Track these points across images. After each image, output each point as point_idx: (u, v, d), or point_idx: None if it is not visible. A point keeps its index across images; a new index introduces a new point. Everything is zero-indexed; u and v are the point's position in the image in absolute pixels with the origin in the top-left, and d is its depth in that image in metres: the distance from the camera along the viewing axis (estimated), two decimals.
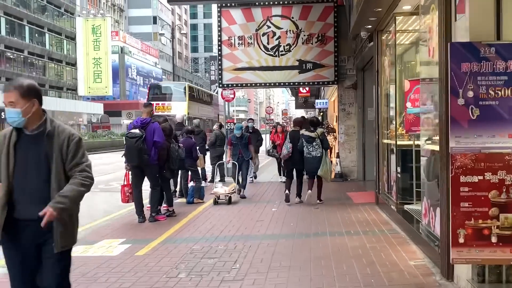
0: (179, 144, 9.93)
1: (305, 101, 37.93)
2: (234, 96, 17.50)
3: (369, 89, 14.62)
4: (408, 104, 8.42)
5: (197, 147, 11.93)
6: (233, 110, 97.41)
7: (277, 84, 15.17)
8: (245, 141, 12.02)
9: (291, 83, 15.11)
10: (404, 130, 8.96)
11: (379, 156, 10.14)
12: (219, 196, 11.10)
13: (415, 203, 8.42)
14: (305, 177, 11.21)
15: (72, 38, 57.85)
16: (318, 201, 10.67)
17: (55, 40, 55.97)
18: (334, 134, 17.87)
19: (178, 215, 9.70)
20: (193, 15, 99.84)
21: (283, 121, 44.30)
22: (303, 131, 10.73)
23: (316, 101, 26.54)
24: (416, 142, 8.51)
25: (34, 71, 51.08)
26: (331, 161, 18.23)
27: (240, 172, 12.05)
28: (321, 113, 36.42)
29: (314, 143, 10.45)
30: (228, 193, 11.15)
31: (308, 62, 14.99)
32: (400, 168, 8.89)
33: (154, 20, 76.50)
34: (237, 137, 12.04)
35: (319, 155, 10.44)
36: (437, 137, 5.70)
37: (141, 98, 65.56)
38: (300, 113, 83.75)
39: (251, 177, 14.24)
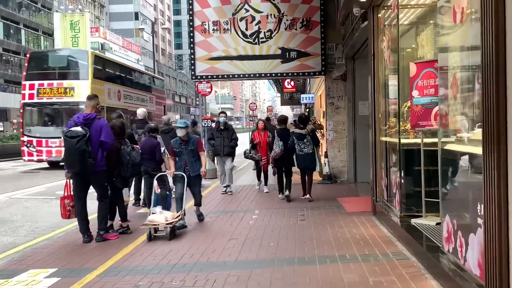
0: (132, 146, 8.08)
1: (291, 97, 36.23)
2: (211, 89, 15.70)
3: (360, 80, 12.92)
4: (415, 93, 6.70)
5: (164, 149, 10.09)
6: (218, 108, 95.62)
7: (257, 75, 13.39)
8: (193, 146, 8.19)
9: (273, 74, 13.36)
10: (409, 126, 7.26)
11: (376, 157, 8.42)
12: (157, 227, 7.36)
13: (424, 216, 6.71)
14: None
15: (49, 34, 55.55)
16: (308, 195, 10.64)
17: (31, 36, 53.62)
18: (322, 131, 16.18)
19: (134, 231, 7.90)
20: (177, 11, 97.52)
21: (272, 117, 42.60)
22: (293, 129, 10.76)
23: (302, 95, 24.79)
24: (426, 140, 6.80)
25: (10, 68, 48.78)
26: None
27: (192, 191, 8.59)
28: (307, 109, 34.78)
29: (305, 140, 10.38)
30: (171, 222, 7.41)
31: (292, 50, 13.24)
32: (404, 172, 7.17)
33: (136, 16, 74.26)
34: (180, 142, 8.22)
35: (311, 151, 10.43)
36: (474, 135, 3.98)
37: None
38: (286, 109, 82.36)
39: (225, 190, 11.79)
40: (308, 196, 10.57)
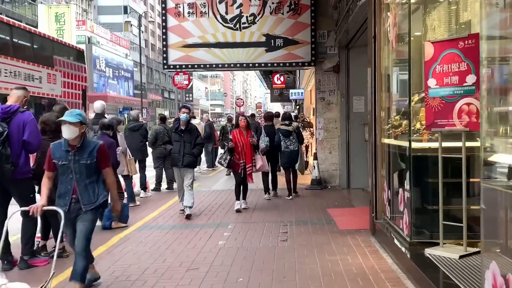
0: None
1: (281, 93, 34.48)
2: (189, 82, 13.96)
3: (355, 72, 11.25)
4: (431, 82, 5.03)
5: (117, 150, 8.34)
6: (209, 104, 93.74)
7: (238, 65, 11.65)
8: (90, 159, 4.63)
9: (256, 64, 11.62)
10: (419, 125, 5.59)
11: (376, 164, 6.73)
12: None
13: (442, 245, 5.03)
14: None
15: (34, 26, 53.30)
16: (294, 194, 10.51)
17: None
18: (311, 129, 14.51)
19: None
20: None
21: (258, 114, 40.89)
22: (279, 126, 10.54)
23: (291, 91, 23.11)
24: (446, 144, 5.13)
25: None
26: (307, 161, 14.88)
27: None
28: (297, 106, 33.10)
29: (291, 137, 10.34)
30: None
31: (278, 37, 11.53)
32: (415, 184, 5.49)
33: (125, 9, 72.12)
34: (67, 150, 4.66)
35: (296, 148, 10.44)
36: None
37: (110, 90, 61.61)
38: (277, 106, 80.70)
39: (182, 210, 8.79)
40: (294, 194, 10.50)
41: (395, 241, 5.68)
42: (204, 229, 7.57)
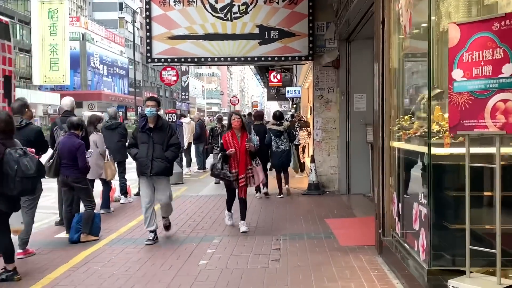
0: (25, 149, 5.27)
1: (277, 92, 33.53)
2: (177, 78, 12.95)
3: (356, 67, 10.29)
4: (457, 74, 4.04)
5: (87, 153, 7.33)
6: (206, 103, 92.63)
7: (229, 59, 10.64)
8: None
9: (249, 58, 10.59)
10: (443, 126, 4.61)
11: (384, 171, 5.74)
12: None
13: (469, 275, 4.04)
14: None
15: (26, 22, 52.36)
16: (287, 186, 10.45)
17: None
18: (308, 129, 13.54)
19: (29, 273, 5.21)
20: None
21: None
22: (270, 126, 10.38)
23: (287, 89, 22.11)
24: (476, 150, 4.15)
25: None
26: (304, 162, 13.89)
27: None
28: (294, 105, 32.11)
29: (282, 137, 10.16)
30: None
31: (273, 29, 10.52)
32: (435, 199, 4.48)
33: (120, 6, 70.96)
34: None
35: (287, 148, 10.24)
36: None
37: (105, 88, 60.60)
38: (274, 105, 79.75)
39: (151, 239, 6.75)
40: (286, 186, 10.43)
41: (408, 263, 4.70)
42: (185, 245, 6.58)
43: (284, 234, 7.01)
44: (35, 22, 50.82)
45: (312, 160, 10.74)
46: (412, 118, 5.55)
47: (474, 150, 4.09)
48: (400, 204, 5.31)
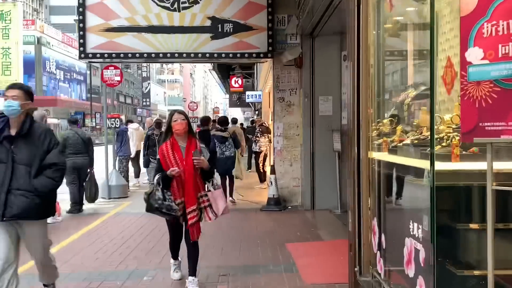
0: None
1: (239, 98, 32.21)
2: (121, 78, 11.37)
3: (321, 65, 9.01)
4: (473, 54, 2.68)
5: None
6: (167, 110, 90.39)
7: (176, 55, 9.14)
8: None
9: (200, 55, 9.12)
10: (454, 131, 3.30)
11: (360, 190, 4.38)
12: None
13: None
14: None
15: None
16: (231, 198, 9.80)
17: None
18: (270, 135, 12.22)
19: None
20: None
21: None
22: (214, 132, 10.02)
23: (247, 93, 20.78)
24: (499, 165, 2.83)
25: None
26: (265, 171, 12.54)
27: None
28: (256, 111, 30.81)
29: (227, 143, 9.73)
30: None
31: (227, 21, 9.10)
32: (440, 234, 3.11)
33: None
34: None
35: (232, 154, 9.78)
36: None
37: (61, 93, 57.97)
38: (237, 112, 78.32)
39: None
40: (230, 198, 9.79)
41: None
42: (107, 283, 5.06)
43: (235, 266, 5.58)
44: None
45: (272, 171, 9.36)
46: (393, 122, 4.29)
47: (499, 165, 2.78)
48: (383, 235, 3.96)
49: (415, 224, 3.31)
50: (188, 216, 4.69)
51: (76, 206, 9.14)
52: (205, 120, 10.57)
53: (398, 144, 3.91)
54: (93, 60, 9.27)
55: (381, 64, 4.51)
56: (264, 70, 13.58)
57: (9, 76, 49.65)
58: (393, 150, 3.99)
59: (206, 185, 4.91)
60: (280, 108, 9.60)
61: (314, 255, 6.00)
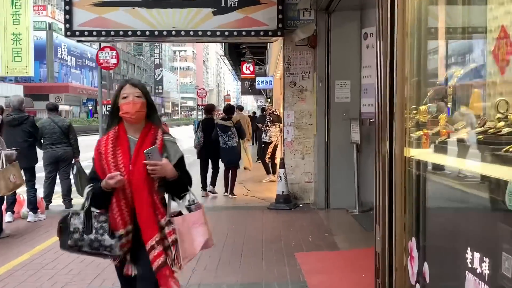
0: None
1: (251, 85, 31.14)
2: (118, 61, 10.35)
3: (338, 45, 7.91)
4: None
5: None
6: (180, 97, 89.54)
7: (174, 33, 7.95)
8: None
9: (200, 32, 7.94)
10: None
11: (392, 200, 3.28)
12: None
13: None
14: None
15: None
16: (230, 195, 9.23)
17: None
18: (281, 124, 11.16)
19: None
20: None
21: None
22: (217, 120, 9.45)
23: (258, 79, 19.66)
24: None
25: None
26: (275, 163, 11.48)
27: None
28: (268, 99, 29.68)
29: (229, 132, 9.07)
30: None
31: None
32: None
33: None
34: None
35: (235, 144, 9.14)
36: None
37: (73, 80, 57.36)
38: (250, 100, 77.30)
39: None
40: (229, 195, 9.23)
41: None
42: None
43: (232, 285, 4.54)
44: None
45: (282, 165, 8.27)
46: (430, 109, 3.25)
47: None
48: (426, 263, 2.87)
49: (477, 255, 2.24)
50: (150, 257, 2.66)
51: (49, 203, 8.14)
52: (209, 108, 9.74)
53: (449, 139, 2.83)
54: (81, 38, 8.20)
55: (422, 41, 3.41)
56: (275, 53, 12.44)
57: (20, 62, 49.16)
58: (440, 147, 2.91)
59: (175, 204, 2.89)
60: (291, 94, 8.48)
61: (329, 270, 4.92)
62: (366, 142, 7.70)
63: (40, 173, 7.92)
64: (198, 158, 9.51)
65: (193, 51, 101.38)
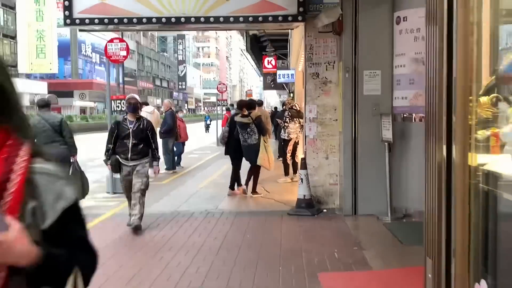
0: None
1: (273, 80, 30.20)
2: (128, 52, 9.59)
3: (368, 31, 6.97)
4: None
5: None
6: (203, 93, 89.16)
7: (183, 20, 7.03)
8: None
9: (212, 19, 7.05)
10: None
11: (450, 225, 2.38)
12: None
13: None
14: None
15: (11, 7, 49.00)
16: (251, 194, 8.67)
17: None
18: (301, 120, 10.29)
19: None
20: None
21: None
22: (236, 117, 8.87)
23: (279, 73, 18.77)
24: None
25: None
26: (297, 162, 10.59)
27: None
28: (291, 93, 28.73)
29: (248, 129, 8.50)
30: None
31: None
32: None
33: None
34: None
35: (254, 142, 8.49)
36: None
37: (98, 77, 57.36)
38: (272, 95, 76.46)
39: None
40: (250, 194, 8.73)
41: None
42: None
43: None
44: (20, 7, 47.47)
45: (303, 166, 7.38)
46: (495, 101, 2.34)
47: None
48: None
49: None
50: None
51: None
52: (241, 104, 9.05)
53: None
54: (81, 27, 7.42)
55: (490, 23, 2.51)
56: (296, 42, 11.52)
57: (44, 59, 49.22)
58: None
59: None
60: (313, 87, 7.57)
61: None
62: (399, 140, 6.77)
63: None
64: (225, 155, 9.36)
65: (216, 47, 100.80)
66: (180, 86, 77.81)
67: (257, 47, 27.51)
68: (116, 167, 6.34)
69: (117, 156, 6.27)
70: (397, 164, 6.84)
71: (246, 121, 8.52)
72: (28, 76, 49.87)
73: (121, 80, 14.24)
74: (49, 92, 46.26)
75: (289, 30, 15.97)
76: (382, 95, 6.95)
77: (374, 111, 6.95)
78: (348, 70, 7.05)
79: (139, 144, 6.25)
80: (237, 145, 8.69)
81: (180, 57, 78.87)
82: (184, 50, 79.18)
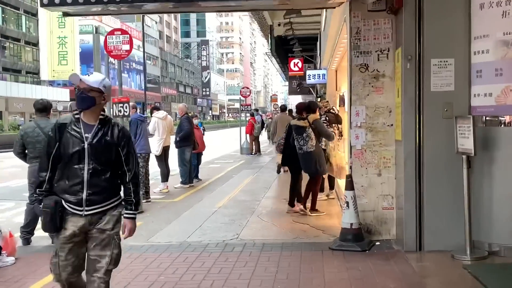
0: None
1: (299, 84, 28.53)
2: (131, 47, 8.02)
3: (436, 9, 5.16)
4: None
5: None
6: (227, 99, 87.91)
7: (193, 3, 5.41)
8: None
9: (229, 4, 5.33)
10: None
11: None
12: None
13: None
14: None
15: (33, 13, 48.58)
16: (309, 212, 7.42)
17: (12, 15, 46.61)
18: (340, 126, 8.58)
19: None
20: None
21: (274, 108, 34.63)
22: (292, 120, 7.86)
23: (308, 73, 17.07)
24: None
25: None
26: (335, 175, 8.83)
27: None
28: (319, 97, 26.97)
29: (304, 135, 7.34)
30: None
31: None
32: None
33: None
34: None
35: (311, 149, 7.31)
36: None
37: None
38: (298, 100, 74.78)
39: None
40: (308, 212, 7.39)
41: None
42: None
43: None
44: (42, 14, 46.93)
45: (349, 186, 5.62)
46: None
47: None
48: None
49: None
50: None
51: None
52: (300, 108, 7.95)
53: None
54: (59, 8, 5.75)
55: None
56: (332, 35, 9.76)
57: (66, 66, 48.51)
58: None
59: None
60: (361, 82, 5.82)
61: None
62: (481, 152, 4.98)
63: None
64: (283, 165, 8.49)
65: (240, 53, 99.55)
66: (204, 92, 76.75)
67: (282, 50, 25.89)
68: (53, 220, 3.10)
69: (57, 197, 3.15)
70: (478, 183, 5.06)
71: (301, 124, 7.37)
72: (51, 83, 49.35)
73: (143, 86, 12.71)
74: (71, 100, 45.55)
75: (321, 25, 14.20)
76: (456, 91, 5.17)
77: (446, 113, 5.17)
78: (410, 59, 5.28)
79: (104, 172, 3.18)
80: (294, 153, 7.51)
81: (204, 63, 77.86)
82: (207, 56, 78.17)
